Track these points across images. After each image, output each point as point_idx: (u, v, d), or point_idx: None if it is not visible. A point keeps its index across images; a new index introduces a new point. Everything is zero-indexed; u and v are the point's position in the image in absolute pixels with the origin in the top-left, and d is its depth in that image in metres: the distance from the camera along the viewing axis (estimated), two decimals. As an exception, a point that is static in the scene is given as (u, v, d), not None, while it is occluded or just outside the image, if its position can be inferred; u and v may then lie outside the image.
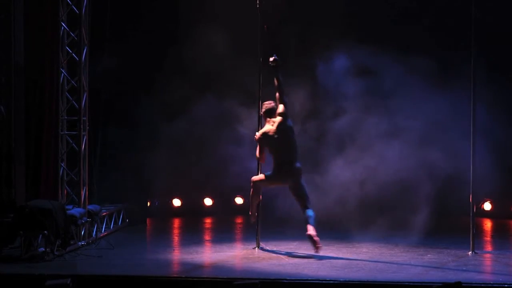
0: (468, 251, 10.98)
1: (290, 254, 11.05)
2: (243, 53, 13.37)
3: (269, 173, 11.28)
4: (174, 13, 14.52)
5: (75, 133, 11.85)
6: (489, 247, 11.97)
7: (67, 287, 8.33)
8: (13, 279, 9.51)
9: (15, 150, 11.75)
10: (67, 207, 11.32)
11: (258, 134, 11.33)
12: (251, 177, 11.45)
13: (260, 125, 11.44)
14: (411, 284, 9.12)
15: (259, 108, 11.45)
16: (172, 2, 14.58)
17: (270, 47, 11.42)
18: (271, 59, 11.26)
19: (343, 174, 12.81)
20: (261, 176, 11.34)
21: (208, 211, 15.09)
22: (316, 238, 10.77)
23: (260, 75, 11.40)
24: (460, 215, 12.82)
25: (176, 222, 14.55)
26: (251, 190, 11.36)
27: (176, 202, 15.10)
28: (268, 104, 11.35)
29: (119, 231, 13.18)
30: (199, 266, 10.34)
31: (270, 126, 11.28)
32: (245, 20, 12.47)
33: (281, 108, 11.29)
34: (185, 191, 15.02)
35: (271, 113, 11.33)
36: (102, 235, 12.33)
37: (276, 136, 11.22)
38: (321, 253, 11.01)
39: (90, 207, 11.95)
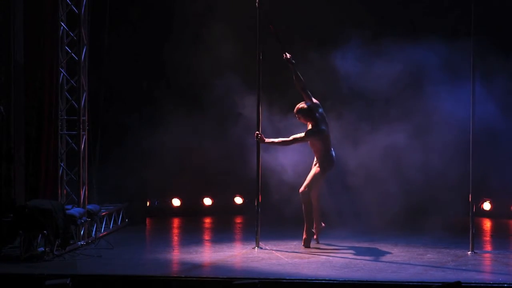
0: (468, 251, 10.99)
1: (289, 254, 11.05)
2: (244, 51, 13.39)
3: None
4: (172, 11, 14.49)
5: (74, 133, 11.86)
6: (488, 247, 11.96)
7: (67, 287, 8.33)
8: (12, 279, 9.51)
9: (14, 150, 11.74)
10: (66, 207, 11.32)
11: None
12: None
13: (260, 125, 11.44)
14: (411, 283, 9.12)
15: (258, 107, 11.43)
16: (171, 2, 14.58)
17: (279, 45, 11.45)
18: (287, 55, 11.38)
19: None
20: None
21: (208, 211, 15.07)
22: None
23: (259, 73, 11.39)
24: (460, 215, 12.84)
25: (176, 222, 14.53)
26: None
27: (176, 202, 15.08)
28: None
29: (119, 231, 13.17)
30: (198, 266, 10.34)
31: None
32: (244, 15, 12.51)
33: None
34: (185, 191, 15.00)
35: None
36: (101, 235, 12.32)
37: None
38: (321, 252, 11.02)
39: (89, 206, 11.95)
